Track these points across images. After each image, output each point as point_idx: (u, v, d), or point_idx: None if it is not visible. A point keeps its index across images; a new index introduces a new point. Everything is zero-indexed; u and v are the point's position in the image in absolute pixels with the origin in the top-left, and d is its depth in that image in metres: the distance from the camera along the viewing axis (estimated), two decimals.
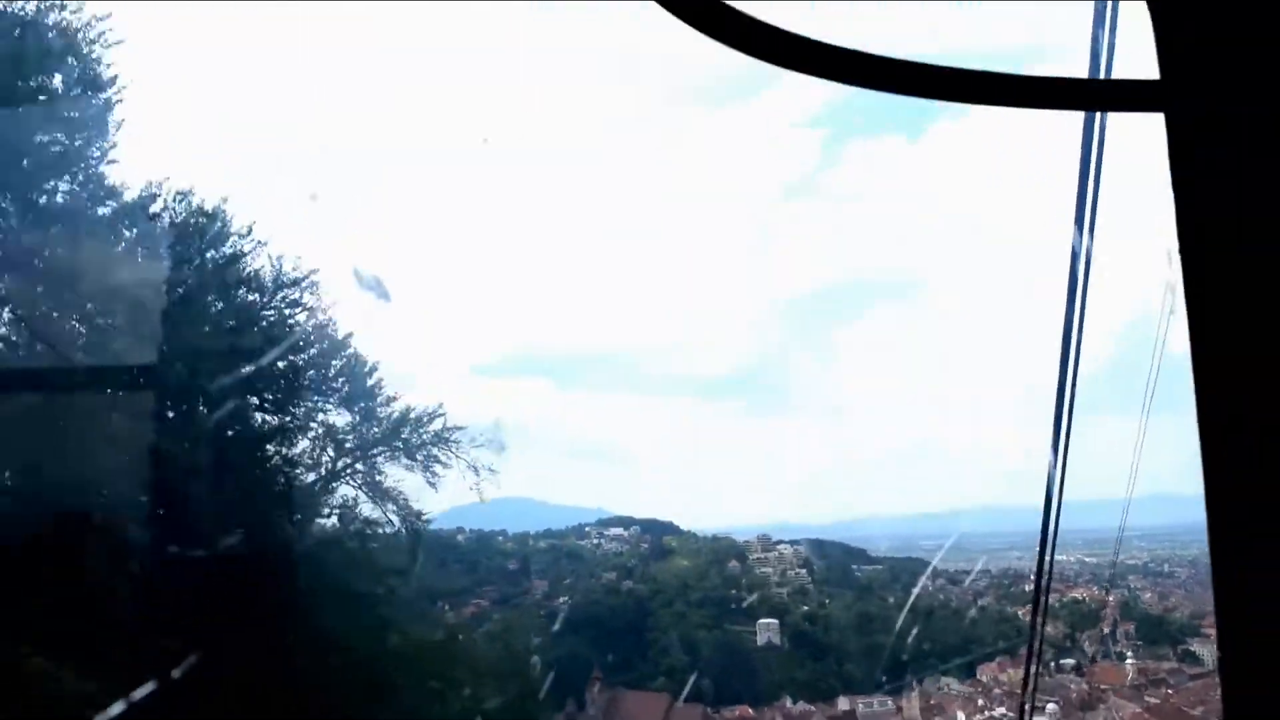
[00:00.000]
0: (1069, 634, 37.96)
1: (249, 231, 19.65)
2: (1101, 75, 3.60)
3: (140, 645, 12.82)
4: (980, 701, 33.74)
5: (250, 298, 19.85)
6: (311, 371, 21.75)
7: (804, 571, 40.82)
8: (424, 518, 23.50)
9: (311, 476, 21.98)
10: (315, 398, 22.06)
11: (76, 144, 17.81)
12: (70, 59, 17.62)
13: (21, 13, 17.23)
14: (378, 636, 19.85)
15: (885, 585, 42.54)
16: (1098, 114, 3.76)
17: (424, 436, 23.47)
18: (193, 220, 19.12)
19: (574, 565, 41.00)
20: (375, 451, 23.14)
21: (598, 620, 37.60)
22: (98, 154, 18.15)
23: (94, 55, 17.89)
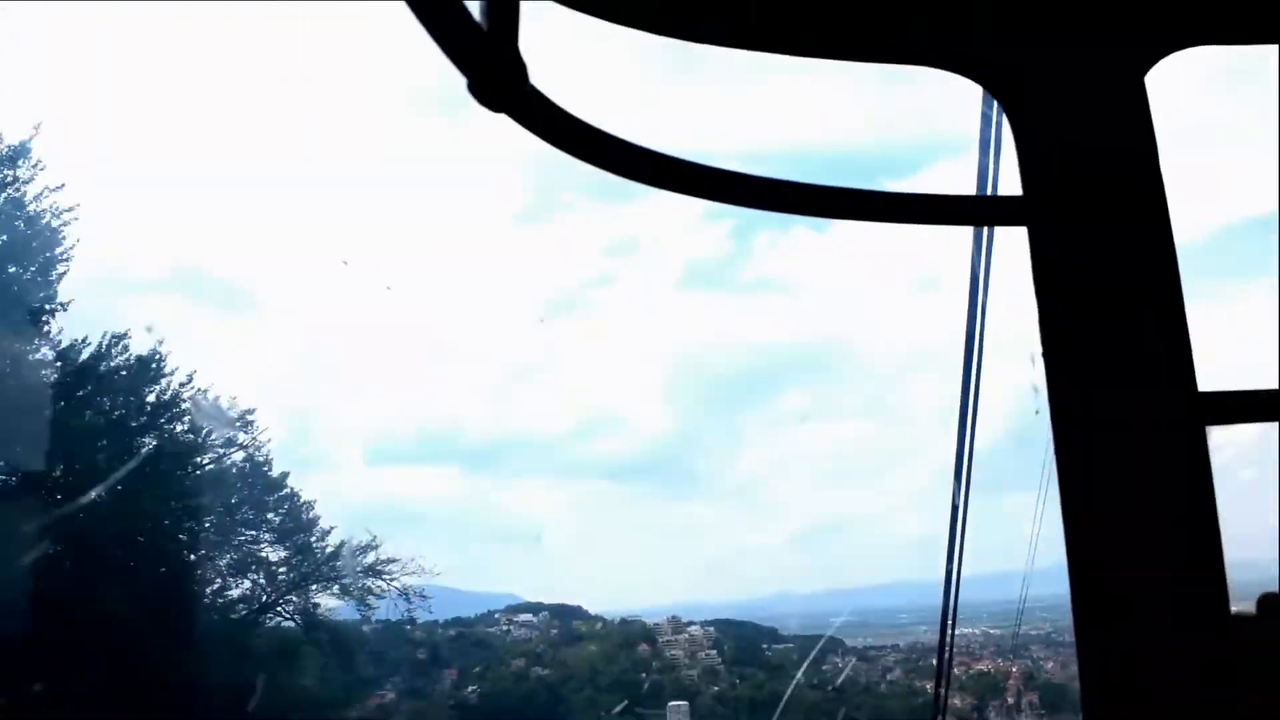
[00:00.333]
0: (976, 705, 38.37)
1: (189, 380, 19.65)
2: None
3: None
4: None
5: (186, 437, 19.77)
6: (248, 509, 21.60)
7: (714, 652, 40.59)
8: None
9: (244, 609, 21.68)
10: (251, 532, 21.87)
11: None
12: None
13: None
14: None
15: (795, 663, 42.53)
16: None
17: (357, 568, 23.44)
18: (127, 364, 19.03)
19: (483, 653, 40.19)
20: (310, 584, 22.94)
21: (507, 709, 36.83)
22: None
23: None
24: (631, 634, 40.79)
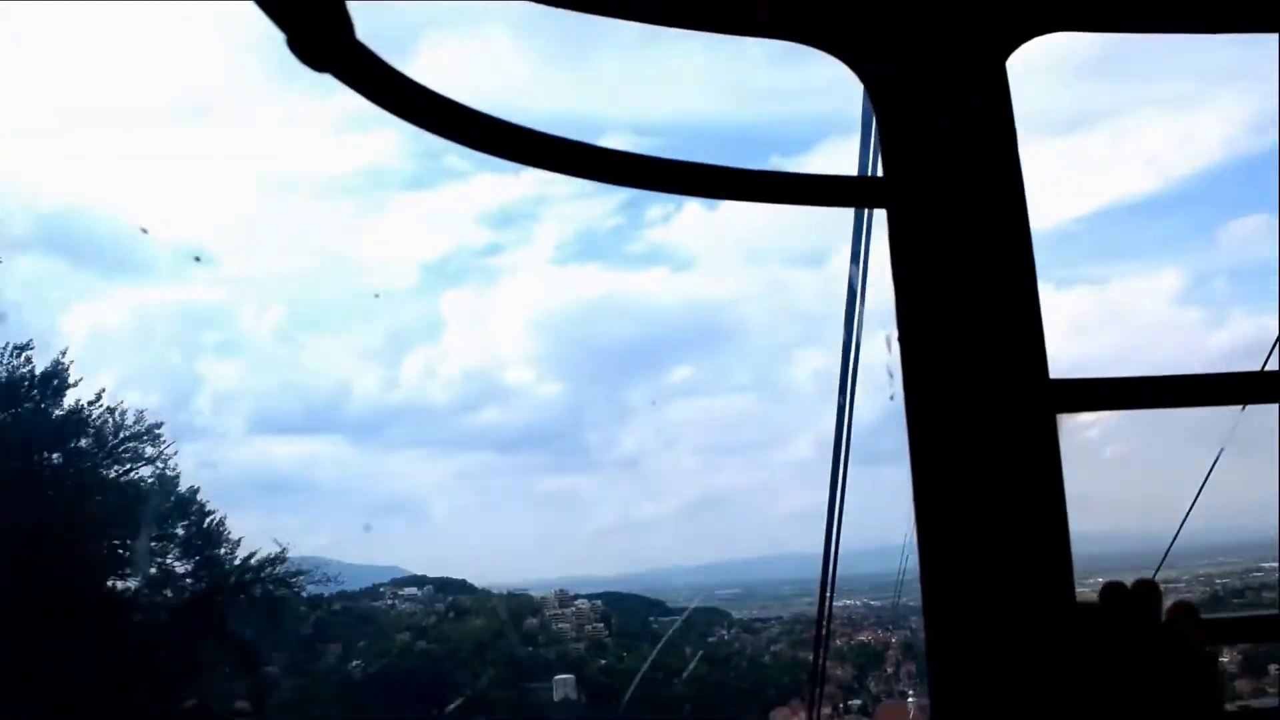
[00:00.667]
0: (857, 675, 39.40)
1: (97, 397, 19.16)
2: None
3: None
4: None
5: (93, 451, 19.29)
6: (154, 522, 21.19)
7: (602, 625, 40.81)
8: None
9: (141, 619, 21.22)
10: (156, 544, 21.42)
11: None
12: None
13: None
14: None
15: (682, 635, 43.05)
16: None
17: (266, 578, 23.38)
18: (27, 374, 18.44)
19: (368, 627, 39.68)
20: (217, 597, 22.65)
21: (392, 684, 36.47)
22: None
23: None
24: (518, 607, 40.73)
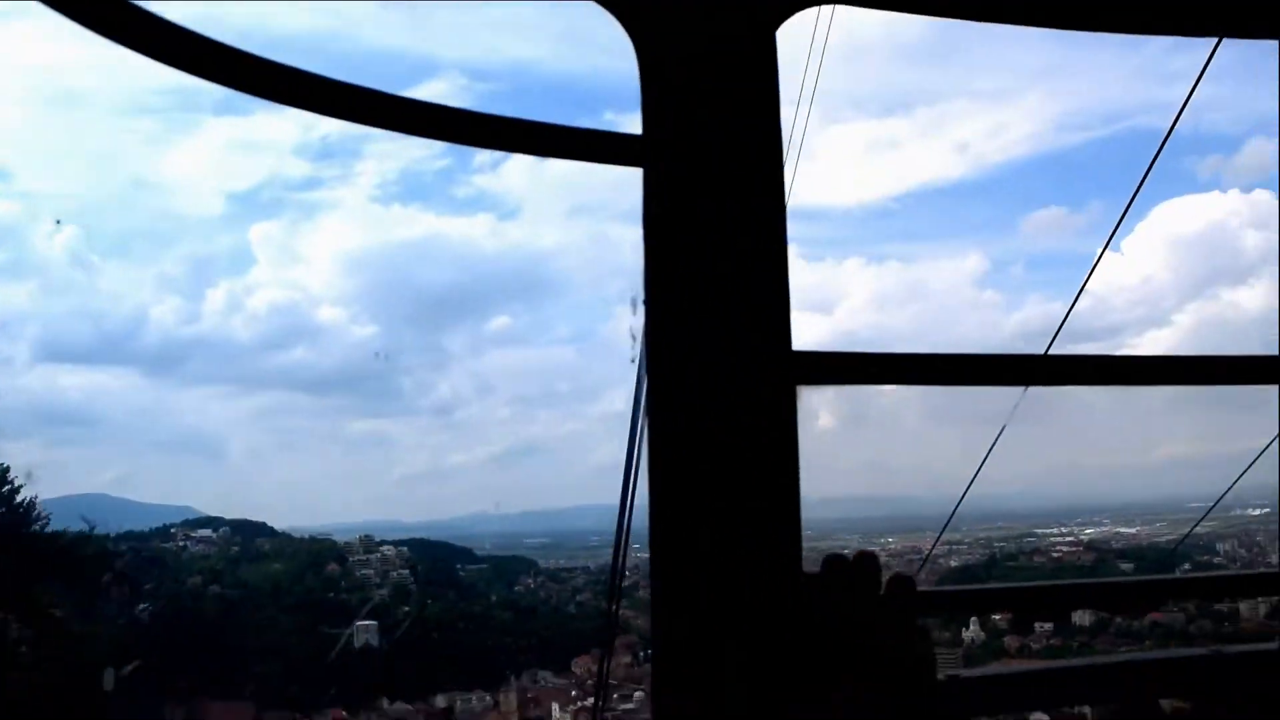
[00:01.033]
0: None
1: None
2: None
3: None
4: (574, 692, 35.02)
5: None
6: None
7: (407, 572, 40.35)
8: None
9: None
10: None
11: None
12: None
13: None
14: None
15: (489, 583, 43.10)
16: None
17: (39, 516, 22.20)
18: None
19: (157, 569, 38.04)
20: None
21: (181, 628, 35.15)
22: None
23: None
24: (320, 552, 39.83)
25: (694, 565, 1.66)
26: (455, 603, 40.48)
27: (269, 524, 41.44)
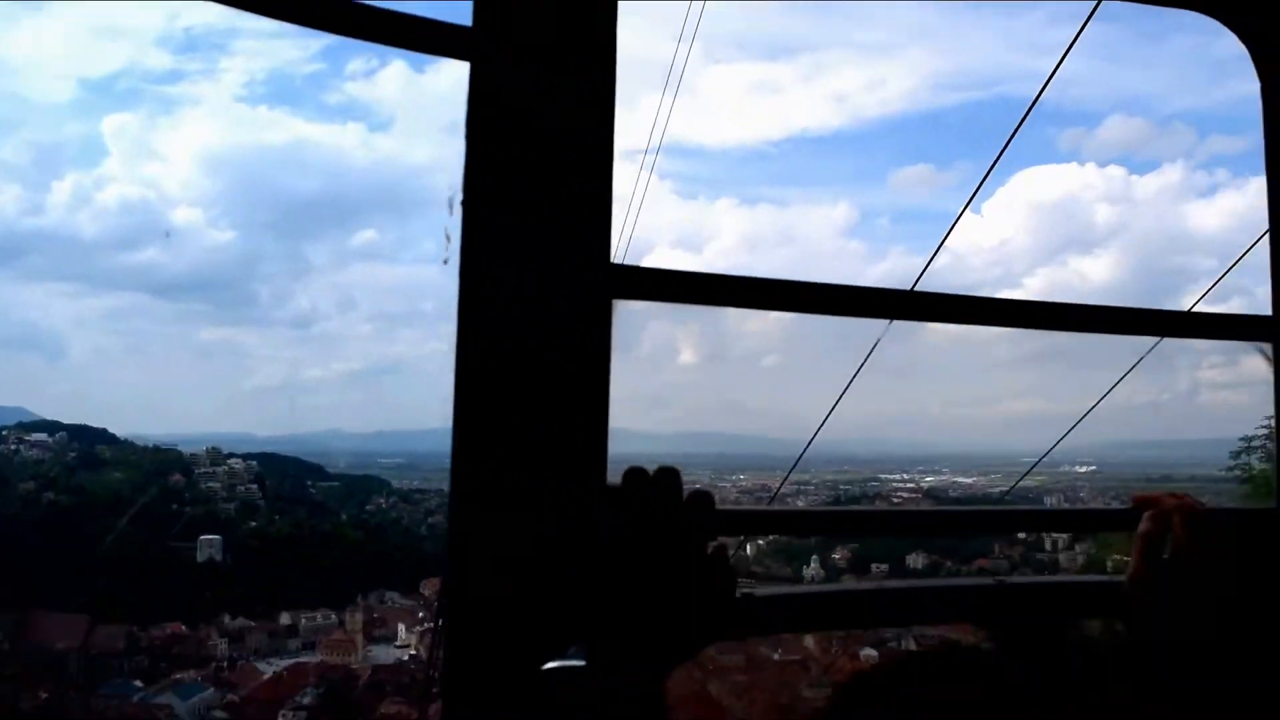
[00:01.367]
0: None
1: None
2: None
3: None
4: (421, 614, 35.05)
5: None
6: None
7: (255, 487, 39.43)
8: None
9: None
10: None
11: None
12: None
13: None
14: None
15: (340, 502, 42.55)
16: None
17: None
18: None
19: None
20: None
21: (11, 537, 33.72)
22: None
23: None
24: (164, 462, 38.54)
25: (495, 474, 1.62)
26: (304, 520, 39.84)
27: (110, 430, 39.87)
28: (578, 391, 1.67)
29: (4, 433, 37.64)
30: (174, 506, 37.40)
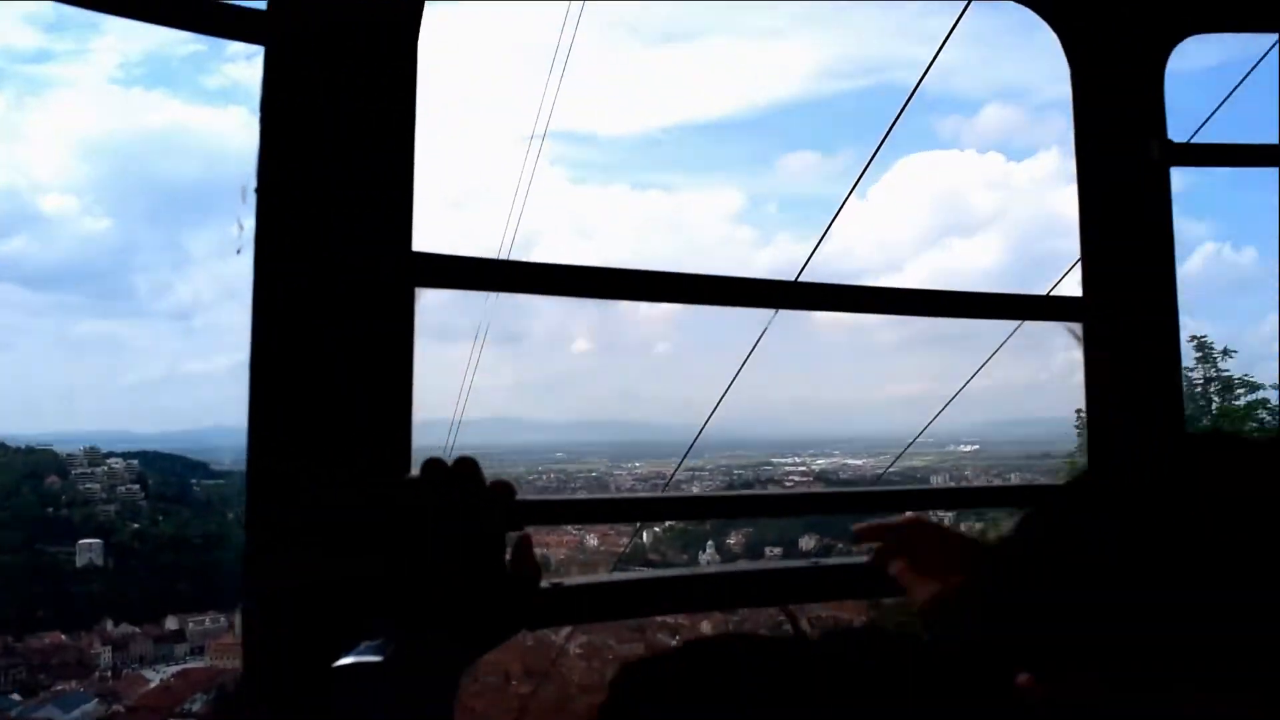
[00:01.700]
0: None
1: None
2: None
3: None
4: None
5: None
6: None
7: (136, 487, 38.16)
8: None
9: None
10: None
11: None
12: None
13: None
14: None
15: (227, 500, 41.46)
16: None
17: None
18: None
19: None
20: None
21: None
22: None
23: None
24: (39, 464, 37.05)
25: (293, 469, 1.58)
26: (189, 520, 38.72)
27: None
28: (379, 382, 1.64)
29: None
30: (50, 510, 35.99)
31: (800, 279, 2.30)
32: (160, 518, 38.30)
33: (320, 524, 1.58)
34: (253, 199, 1.61)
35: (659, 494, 3.34)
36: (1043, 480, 2.79)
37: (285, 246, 1.60)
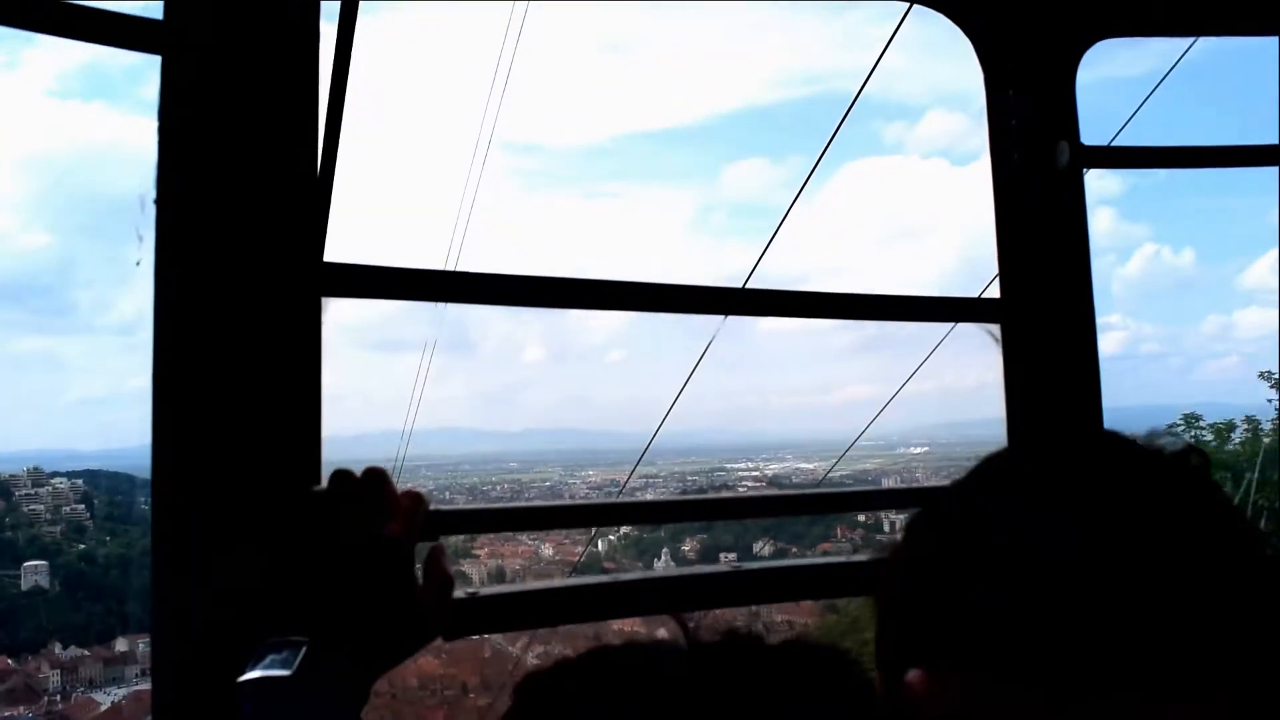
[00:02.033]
0: None
1: None
2: None
3: None
4: None
5: None
6: None
7: (82, 507, 37.36)
8: None
9: None
10: None
11: None
12: None
13: None
14: None
15: None
16: None
17: None
18: None
19: None
20: None
21: None
22: None
23: None
24: None
25: (197, 482, 1.56)
26: (137, 540, 37.95)
27: None
28: (286, 393, 1.62)
29: None
30: None
31: (747, 285, 2.32)
32: (108, 538, 37.53)
33: (227, 540, 1.56)
34: (152, 210, 1.59)
35: (612, 500, 3.35)
36: None
37: (185, 258, 1.58)
